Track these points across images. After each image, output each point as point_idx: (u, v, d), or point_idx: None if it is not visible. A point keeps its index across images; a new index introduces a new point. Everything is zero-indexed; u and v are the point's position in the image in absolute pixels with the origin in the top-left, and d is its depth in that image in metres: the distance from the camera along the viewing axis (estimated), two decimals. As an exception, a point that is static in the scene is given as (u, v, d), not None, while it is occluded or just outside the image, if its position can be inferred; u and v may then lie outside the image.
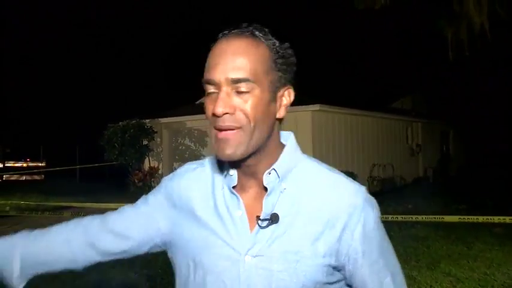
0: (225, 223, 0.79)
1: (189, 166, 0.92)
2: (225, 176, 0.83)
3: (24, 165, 19.71)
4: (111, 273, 4.27)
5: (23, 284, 0.90)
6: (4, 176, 17.46)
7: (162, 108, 15.72)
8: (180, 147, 13.93)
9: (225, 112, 0.76)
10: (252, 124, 0.75)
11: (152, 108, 17.44)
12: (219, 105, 0.76)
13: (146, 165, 13.36)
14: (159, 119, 13.79)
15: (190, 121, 13.24)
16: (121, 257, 0.90)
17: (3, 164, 18.86)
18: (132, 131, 12.49)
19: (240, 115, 0.76)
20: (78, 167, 13.41)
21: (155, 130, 13.19)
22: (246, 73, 0.74)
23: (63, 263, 0.90)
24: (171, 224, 0.86)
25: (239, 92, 0.75)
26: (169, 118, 13.76)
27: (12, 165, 19.42)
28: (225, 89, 0.76)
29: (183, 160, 13.55)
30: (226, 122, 0.76)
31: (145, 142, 12.99)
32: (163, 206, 0.88)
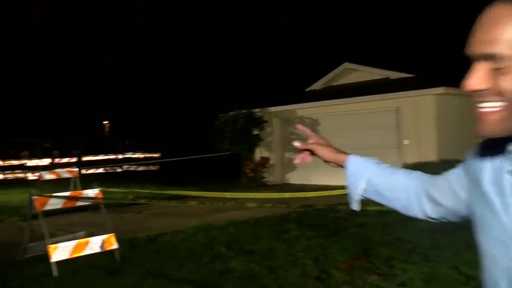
0: (503, 204, 0.84)
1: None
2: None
3: (141, 156, 24.95)
4: (232, 263, 5.34)
5: (358, 203, 1.23)
6: (124, 166, 22.74)
7: (271, 97, 17.76)
8: (291, 136, 15.34)
9: (475, 88, 0.80)
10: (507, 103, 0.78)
11: (262, 96, 19.77)
12: (468, 81, 0.81)
13: (257, 155, 15.27)
14: (269, 108, 15.51)
15: (301, 109, 14.74)
16: (435, 221, 1.12)
17: (123, 155, 24.41)
18: (242, 120, 14.47)
19: (496, 92, 0.79)
20: (190, 157, 16.66)
21: (265, 119, 14.99)
22: (503, 47, 0.76)
23: (397, 205, 1.16)
24: (469, 196, 0.97)
25: (495, 68, 0.78)
26: (279, 107, 15.38)
27: (130, 156, 24.87)
28: (479, 63, 0.80)
29: (295, 150, 15.50)
30: (482, 97, 0.81)
31: (255, 132, 14.80)
32: (461, 178, 1.00)
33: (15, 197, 13.20)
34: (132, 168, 22.66)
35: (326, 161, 1.32)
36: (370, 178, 1.20)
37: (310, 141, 1.35)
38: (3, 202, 12.23)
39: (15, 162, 20.93)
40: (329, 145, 1.33)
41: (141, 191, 10.86)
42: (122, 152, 24.62)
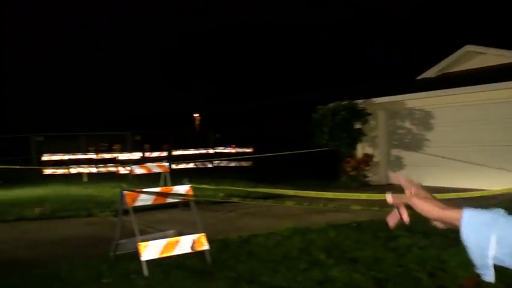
0: None
1: None
2: None
3: (233, 151, 25.82)
4: (333, 271, 5.32)
5: (492, 272, 1.01)
6: (215, 162, 23.73)
7: (376, 87, 17.03)
8: (399, 131, 14.87)
9: None
10: None
11: (365, 87, 19.06)
12: None
13: (359, 152, 14.97)
14: (373, 99, 14.97)
15: (411, 100, 14.04)
16: None
17: (214, 150, 25.51)
18: (343, 113, 14.16)
19: None
20: (284, 153, 16.76)
21: (369, 112, 14.57)
22: None
23: None
24: None
25: None
26: (385, 97, 14.78)
27: (221, 151, 25.89)
28: None
29: (403, 146, 14.67)
30: None
31: (357, 125, 14.47)
32: None
33: (107, 191, 14.54)
34: (223, 163, 23.60)
35: (430, 220, 1.14)
36: (501, 238, 1.01)
37: (407, 192, 1.17)
38: (95, 196, 13.53)
39: (107, 156, 23.06)
40: (431, 197, 1.15)
41: (233, 188, 11.21)
42: (213, 147, 25.73)
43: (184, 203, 7.13)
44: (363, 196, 6.60)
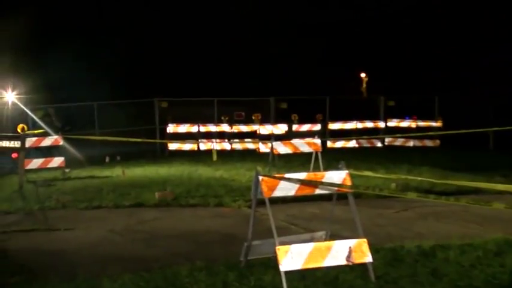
0: None
1: None
2: None
3: (413, 125, 24.77)
4: None
5: None
6: (386, 140, 23.08)
7: None
8: None
9: None
10: None
11: None
12: None
13: None
14: None
15: None
16: None
17: (385, 123, 24.73)
18: None
19: None
20: (492, 129, 15.50)
21: None
22: None
23: None
24: None
25: None
26: None
27: (396, 125, 24.96)
28: None
29: None
30: None
31: None
32: None
33: (242, 174, 15.15)
34: (398, 142, 22.86)
35: None
36: None
37: None
38: (227, 180, 14.18)
39: (244, 129, 24.03)
40: None
41: (411, 178, 10.76)
42: (384, 119, 25.03)
43: (340, 195, 6.96)
44: None
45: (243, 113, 28.33)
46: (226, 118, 25.18)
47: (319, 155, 13.87)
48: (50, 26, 39.52)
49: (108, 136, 19.06)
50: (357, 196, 6.79)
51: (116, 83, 35.62)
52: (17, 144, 14.22)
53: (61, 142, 16.23)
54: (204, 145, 22.45)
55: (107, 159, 19.80)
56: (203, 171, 16.34)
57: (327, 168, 12.41)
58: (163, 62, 44.60)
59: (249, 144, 22.32)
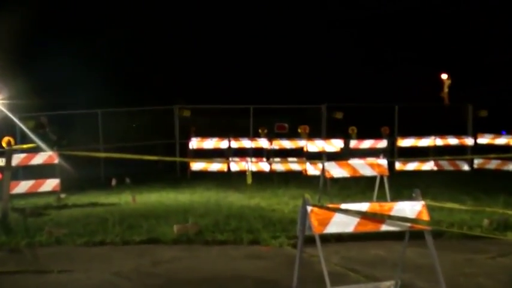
0: None
1: None
2: None
3: (503, 141, 24.14)
4: None
5: None
6: (476, 162, 22.66)
7: None
8: None
9: None
10: None
11: None
12: None
13: None
14: None
15: None
16: None
17: (474, 140, 24.15)
18: None
19: None
20: None
21: None
22: None
23: None
24: None
25: None
26: None
27: (489, 142, 24.27)
28: None
29: None
30: None
31: None
32: None
33: (285, 203, 15.09)
34: (492, 165, 22.31)
35: None
36: None
37: None
38: (265, 210, 14.11)
39: (287, 144, 23.97)
40: None
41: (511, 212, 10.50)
42: (474, 134, 24.55)
43: (414, 233, 6.81)
44: None
45: (286, 125, 28.15)
46: (265, 131, 25.17)
47: (386, 179, 13.73)
48: (45, 20, 40.29)
49: (115, 153, 19.19)
50: (437, 235, 6.63)
51: (125, 87, 36.10)
52: (0, 162, 14.29)
53: (56, 160, 16.43)
54: (237, 165, 22.49)
55: (114, 182, 20.00)
56: (235, 198, 16.37)
57: (396, 197, 12.25)
58: (184, 61, 45.02)
59: (294, 165, 22.25)
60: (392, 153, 22.96)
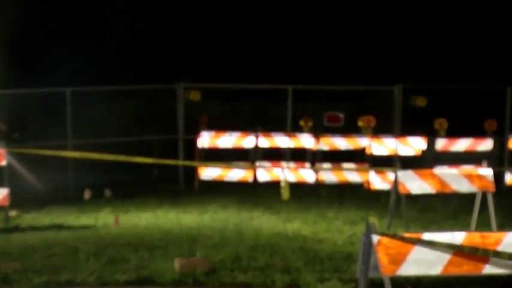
0: None
1: None
2: None
3: None
4: None
5: None
6: None
7: None
8: None
9: None
10: None
11: None
12: None
13: None
14: None
15: None
16: None
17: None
18: None
19: None
20: None
21: None
22: None
23: None
24: None
25: None
26: None
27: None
28: None
29: None
30: None
31: None
32: None
33: (338, 230, 15.02)
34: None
35: None
36: None
37: None
38: (311, 241, 14.07)
39: (342, 144, 23.75)
40: None
41: None
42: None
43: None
44: None
45: (341, 116, 27.95)
46: (309, 124, 24.95)
47: (491, 198, 13.61)
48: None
49: (90, 152, 19.06)
50: None
51: (113, 64, 36.05)
52: None
53: (4, 161, 16.41)
54: (267, 173, 22.46)
55: (87, 195, 20.09)
56: (264, 221, 16.36)
57: (507, 224, 12.20)
58: (193, 20, 44.87)
59: (351, 174, 22.19)
60: (502, 159, 22.76)
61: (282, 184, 17.78)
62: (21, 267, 11.51)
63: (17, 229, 15.36)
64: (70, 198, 19.46)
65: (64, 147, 21.72)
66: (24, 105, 23.64)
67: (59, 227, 15.55)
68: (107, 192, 20.07)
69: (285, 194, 16.78)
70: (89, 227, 15.67)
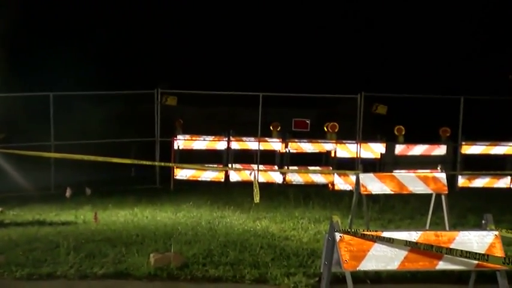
0: None
1: None
2: None
3: None
4: None
5: None
6: None
7: None
8: None
9: None
10: None
11: None
12: None
13: None
14: None
15: None
16: None
17: None
18: None
19: None
20: None
21: None
22: None
23: None
24: None
25: None
26: None
27: None
28: None
29: None
30: None
31: None
32: None
33: (304, 228, 15.09)
34: None
35: None
36: None
37: None
38: (279, 238, 14.06)
39: (308, 148, 23.86)
40: None
41: None
42: None
43: (483, 274, 6.79)
44: None
45: (308, 121, 27.88)
46: (278, 129, 25.04)
47: (444, 199, 13.68)
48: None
49: (71, 154, 18.98)
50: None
51: (95, 69, 35.91)
52: None
53: (-11, 161, 16.42)
54: (238, 174, 22.46)
55: (68, 193, 20.02)
56: (235, 219, 16.40)
57: (459, 224, 12.22)
58: (171, 30, 44.84)
59: (317, 176, 22.26)
60: (455, 163, 22.90)
61: (254, 185, 17.72)
62: (4, 261, 11.46)
63: (0, 225, 15.29)
64: (52, 196, 19.41)
65: (47, 148, 21.71)
66: (9, 108, 23.41)
67: (41, 223, 15.50)
68: (87, 191, 20.04)
69: (256, 197, 16.70)
70: (69, 223, 15.62)
